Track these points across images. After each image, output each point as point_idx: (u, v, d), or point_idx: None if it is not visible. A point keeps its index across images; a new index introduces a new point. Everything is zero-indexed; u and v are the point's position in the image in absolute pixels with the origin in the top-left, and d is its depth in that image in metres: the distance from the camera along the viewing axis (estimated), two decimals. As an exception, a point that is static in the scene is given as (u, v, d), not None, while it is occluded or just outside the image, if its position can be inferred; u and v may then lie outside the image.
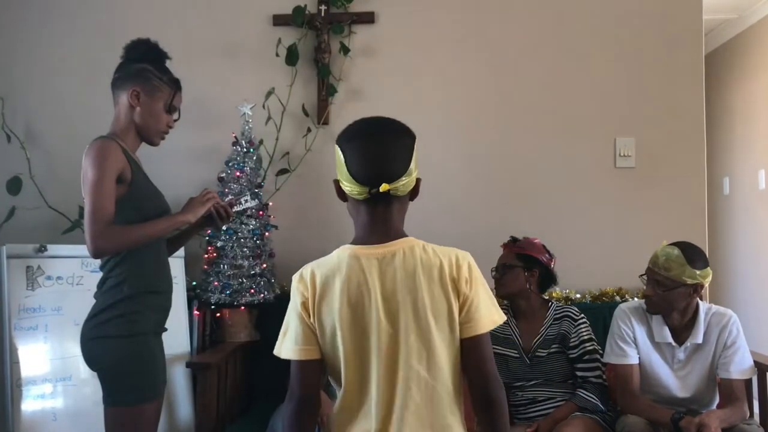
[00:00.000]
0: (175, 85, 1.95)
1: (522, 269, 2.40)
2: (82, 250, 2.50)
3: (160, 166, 3.00)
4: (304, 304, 1.31)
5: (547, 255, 2.44)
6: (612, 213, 2.95)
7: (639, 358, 2.20)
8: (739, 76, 4.34)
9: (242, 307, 2.68)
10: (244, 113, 2.78)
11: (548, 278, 2.45)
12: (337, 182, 1.36)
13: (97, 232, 1.70)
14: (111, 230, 1.73)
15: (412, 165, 1.32)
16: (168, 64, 1.95)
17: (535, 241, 2.46)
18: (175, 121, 1.98)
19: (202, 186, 2.95)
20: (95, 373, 1.83)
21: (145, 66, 1.89)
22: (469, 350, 1.30)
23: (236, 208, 2.66)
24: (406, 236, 1.34)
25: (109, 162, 1.75)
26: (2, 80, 3.15)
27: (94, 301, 1.84)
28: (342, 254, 1.32)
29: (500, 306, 2.30)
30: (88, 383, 2.41)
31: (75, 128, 2.99)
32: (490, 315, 1.32)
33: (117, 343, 1.77)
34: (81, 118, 3.00)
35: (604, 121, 2.97)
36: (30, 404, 2.34)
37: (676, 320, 2.16)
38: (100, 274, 1.86)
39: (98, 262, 1.87)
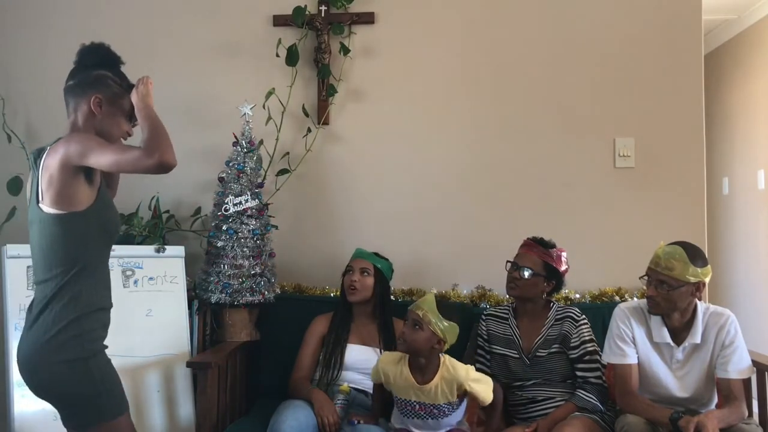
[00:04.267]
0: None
1: (544, 279, 2.39)
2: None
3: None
4: None
5: (566, 269, 2.43)
6: (611, 213, 2.95)
7: (638, 357, 2.20)
8: (738, 76, 4.35)
9: (242, 307, 2.68)
10: (245, 113, 2.78)
11: (558, 289, 2.46)
12: None
13: (140, 155, 1.63)
14: (148, 144, 1.65)
15: None
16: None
17: (562, 252, 2.43)
18: (134, 126, 1.88)
19: (202, 186, 3.01)
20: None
21: (104, 72, 1.81)
22: None
23: (235, 209, 2.68)
24: None
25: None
26: (2, 80, 3.16)
27: None
28: None
29: (504, 304, 2.29)
30: (88, 383, 2.41)
31: (75, 128, 2.99)
32: None
33: (82, 366, 1.67)
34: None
35: (603, 121, 2.98)
36: (30, 404, 2.33)
37: (676, 320, 2.16)
38: (52, 286, 1.70)
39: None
